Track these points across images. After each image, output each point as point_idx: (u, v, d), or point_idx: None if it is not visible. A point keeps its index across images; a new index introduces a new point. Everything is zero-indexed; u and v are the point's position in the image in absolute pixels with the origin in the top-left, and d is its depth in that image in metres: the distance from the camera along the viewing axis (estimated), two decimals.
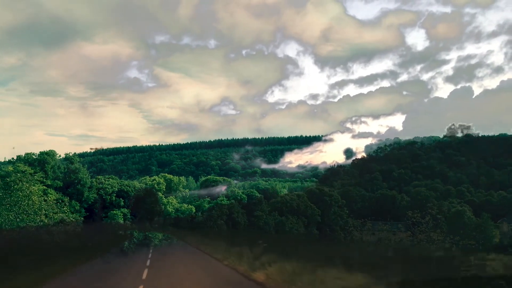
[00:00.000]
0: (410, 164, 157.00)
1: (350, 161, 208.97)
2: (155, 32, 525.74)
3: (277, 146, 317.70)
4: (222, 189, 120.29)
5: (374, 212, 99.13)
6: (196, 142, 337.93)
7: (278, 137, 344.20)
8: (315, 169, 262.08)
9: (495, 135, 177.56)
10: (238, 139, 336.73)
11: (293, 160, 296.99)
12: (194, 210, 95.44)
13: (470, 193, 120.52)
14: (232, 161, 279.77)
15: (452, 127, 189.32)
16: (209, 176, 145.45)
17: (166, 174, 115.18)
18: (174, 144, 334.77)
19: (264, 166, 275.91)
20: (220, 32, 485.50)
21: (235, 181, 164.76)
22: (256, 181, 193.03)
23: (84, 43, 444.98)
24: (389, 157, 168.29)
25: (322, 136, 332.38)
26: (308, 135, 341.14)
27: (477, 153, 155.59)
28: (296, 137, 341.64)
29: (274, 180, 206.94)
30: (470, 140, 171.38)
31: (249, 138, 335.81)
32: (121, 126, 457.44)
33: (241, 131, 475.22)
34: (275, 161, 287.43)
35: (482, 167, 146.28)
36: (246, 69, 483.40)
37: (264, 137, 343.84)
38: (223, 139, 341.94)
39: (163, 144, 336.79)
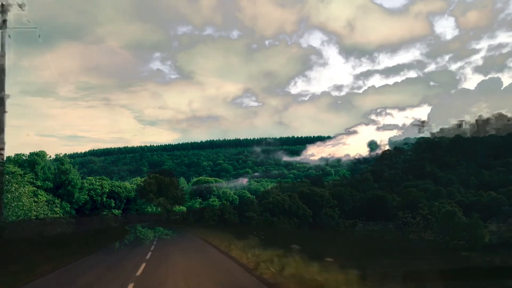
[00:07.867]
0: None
1: (374, 153, 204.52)
2: (177, 23, 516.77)
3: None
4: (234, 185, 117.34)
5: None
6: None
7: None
8: (338, 161, 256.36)
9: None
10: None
11: (315, 153, 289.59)
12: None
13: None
14: (252, 155, 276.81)
15: None
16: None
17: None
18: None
19: (286, 158, 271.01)
20: (242, 22, 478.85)
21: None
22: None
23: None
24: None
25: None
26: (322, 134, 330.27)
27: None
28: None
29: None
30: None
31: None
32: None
33: (263, 123, 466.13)
34: (297, 154, 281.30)
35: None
36: (268, 60, 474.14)
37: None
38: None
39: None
